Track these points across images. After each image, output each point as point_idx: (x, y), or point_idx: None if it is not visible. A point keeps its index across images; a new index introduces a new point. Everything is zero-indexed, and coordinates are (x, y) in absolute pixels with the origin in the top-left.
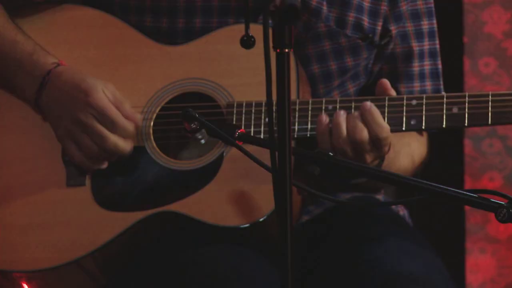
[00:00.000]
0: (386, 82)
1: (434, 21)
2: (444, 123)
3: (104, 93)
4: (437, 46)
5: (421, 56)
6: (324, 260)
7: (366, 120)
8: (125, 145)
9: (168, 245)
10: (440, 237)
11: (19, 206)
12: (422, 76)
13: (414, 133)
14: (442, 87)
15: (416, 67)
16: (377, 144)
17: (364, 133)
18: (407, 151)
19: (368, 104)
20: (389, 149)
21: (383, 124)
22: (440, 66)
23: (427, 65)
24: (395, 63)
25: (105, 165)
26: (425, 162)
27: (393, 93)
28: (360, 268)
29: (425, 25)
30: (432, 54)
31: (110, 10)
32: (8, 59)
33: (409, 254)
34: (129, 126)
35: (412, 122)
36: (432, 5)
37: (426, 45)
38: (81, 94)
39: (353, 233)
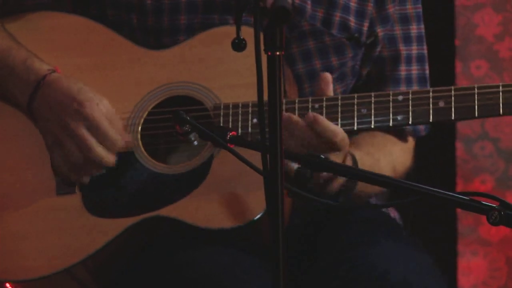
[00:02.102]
0: (325, 78)
1: (422, 26)
2: (431, 117)
3: (99, 106)
4: (425, 51)
5: (409, 60)
6: (315, 263)
7: (316, 130)
8: (110, 158)
9: (161, 249)
10: (432, 240)
11: (9, 215)
12: (409, 80)
13: (397, 141)
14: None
15: (403, 71)
16: (334, 147)
17: (314, 142)
18: (388, 159)
19: (311, 115)
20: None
21: (335, 129)
22: (427, 71)
23: (414, 70)
24: (383, 66)
25: (86, 179)
26: (409, 170)
27: (329, 93)
28: (352, 273)
29: (413, 29)
30: (420, 59)
31: (102, 9)
32: (1, 66)
33: (401, 259)
34: (119, 141)
35: (399, 118)
36: (421, 9)
37: (414, 49)
38: (75, 103)
39: (344, 236)
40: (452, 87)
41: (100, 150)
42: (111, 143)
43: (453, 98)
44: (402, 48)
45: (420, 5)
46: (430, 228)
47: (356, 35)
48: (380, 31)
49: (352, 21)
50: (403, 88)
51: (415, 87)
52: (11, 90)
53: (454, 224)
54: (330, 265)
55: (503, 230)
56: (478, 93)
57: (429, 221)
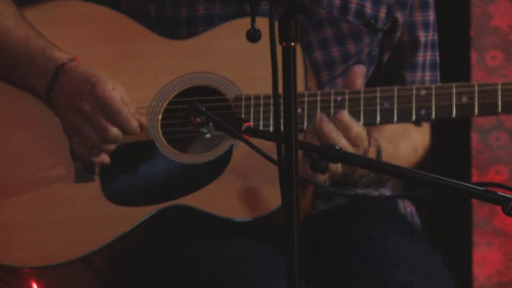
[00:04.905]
0: (358, 71)
1: (434, 12)
2: (454, 113)
3: (113, 90)
4: (437, 38)
5: (426, 46)
6: (328, 256)
7: (339, 128)
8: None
9: (178, 238)
10: (447, 231)
11: (28, 203)
12: (424, 66)
13: (413, 125)
14: (439, 78)
15: (421, 57)
16: (355, 142)
17: (339, 140)
18: (409, 143)
19: (344, 114)
20: (366, 148)
21: (352, 126)
22: (438, 57)
23: (428, 55)
24: (402, 52)
25: (106, 160)
26: (428, 149)
27: (359, 87)
28: (359, 267)
29: (431, 16)
30: (434, 45)
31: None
32: (20, 55)
33: (410, 263)
34: (133, 121)
35: (422, 113)
36: None
37: (431, 36)
38: (88, 85)
39: (357, 232)
40: (476, 83)
41: (115, 131)
42: (125, 123)
43: (476, 94)
44: (422, 35)
45: None
46: (446, 219)
47: (372, 21)
48: (399, 16)
49: (368, 7)
50: (419, 74)
51: (427, 73)
52: (30, 79)
53: (469, 215)
54: (340, 260)
55: None
56: (502, 89)
57: (444, 212)
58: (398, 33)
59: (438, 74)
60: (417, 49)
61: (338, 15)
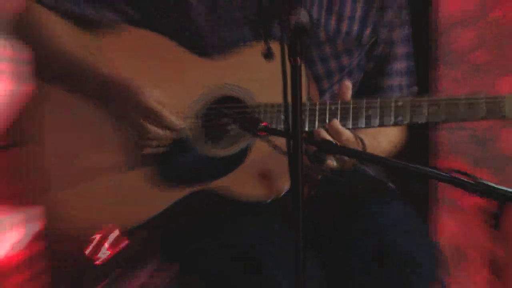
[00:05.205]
0: (346, 85)
1: (410, 29)
2: (425, 119)
3: (151, 94)
4: (412, 50)
5: (402, 58)
6: (326, 228)
7: (332, 133)
8: (167, 135)
9: (208, 214)
10: (417, 207)
11: (89, 187)
12: (401, 74)
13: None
14: (415, 83)
15: (398, 66)
16: (346, 145)
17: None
18: (387, 138)
19: (335, 122)
20: (356, 143)
21: (342, 132)
22: (414, 66)
23: (405, 64)
24: (383, 62)
25: (157, 150)
26: (405, 141)
27: (348, 97)
28: (356, 238)
29: (406, 31)
30: (409, 57)
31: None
32: (76, 66)
33: (397, 228)
34: (171, 121)
35: (399, 119)
36: (409, 16)
37: (406, 49)
38: (131, 91)
39: (350, 207)
40: (443, 97)
41: (155, 129)
42: (165, 123)
43: (442, 105)
44: (399, 48)
45: (408, 12)
46: (417, 198)
47: (360, 38)
48: (382, 33)
49: (355, 29)
50: (397, 79)
51: (404, 79)
52: (86, 87)
53: (435, 195)
54: (338, 230)
55: (477, 200)
56: (463, 102)
57: (417, 192)
58: (380, 47)
59: (414, 79)
60: (395, 60)
61: (333, 36)
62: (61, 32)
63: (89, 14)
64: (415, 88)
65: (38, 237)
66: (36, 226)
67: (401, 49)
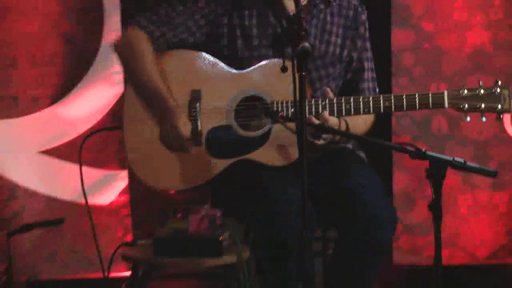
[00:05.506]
0: (327, 90)
1: (371, 52)
2: (382, 110)
3: (183, 127)
4: (373, 65)
5: (368, 70)
6: (320, 181)
7: (321, 120)
8: (185, 150)
9: (246, 174)
10: (374, 166)
11: (162, 159)
12: (368, 80)
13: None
14: (376, 86)
15: (366, 75)
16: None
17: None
18: (362, 121)
19: (324, 113)
20: (339, 126)
21: (328, 119)
22: (375, 75)
23: (370, 75)
24: (356, 73)
25: (185, 151)
26: (373, 123)
27: (331, 96)
28: (341, 190)
29: (369, 52)
30: (372, 69)
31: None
32: (150, 81)
33: (362, 179)
34: (184, 145)
35: (366, 110)
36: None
37: (371, 64)
38: (170, 118)
39: (335, 169)
40: (392, 94)
41: (179, 146)
42: (183, 143)
43: (392, 100)
44: (366, 64)
45: (369, 42)
46: (380, 162)
47: (340, 57)
48: (354, 55)
49: (337, 51)
50: (366, 84)
51: (370, 84)
52: (150, 104)
53: (390, 157)
54: (328, 186)
55: (421, 162)
56: (405, 98)
57: (379, 156)
58: (354, 63)
59: (376, 84)
60: (364, 71)
61: (323, 55)
62: (147, 52)
63: (172, 37)
64: (377, 90)
65: (125, 190)
66: (125, 183)
67: (367, 65)
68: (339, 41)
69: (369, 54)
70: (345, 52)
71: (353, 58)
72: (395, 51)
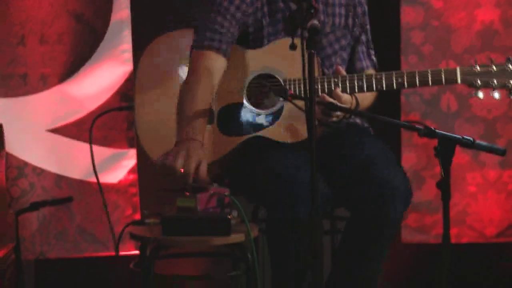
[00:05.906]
0: (339, 68)
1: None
2: (395, 86)
3: (197, 164)
4: (370, 38)
5: (365, 40)
6: (332, 157)
7: (335, 97)
8: (186, 178)
9: (258, 150)
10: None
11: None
12: (363, 43)
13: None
14: (373, 54)
15: (363, 39)
16: (345, 103)
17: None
18: (368, 96)
19: (337, 89)
20: (351, 102)
21: (341, 96)
22: (372, 46)
23: (365, 38)
24: (356, 44)
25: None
26: (376, 97)
27: (343, 73)
28: (350, 161)
29: (368, 24)
30: (368, 42)
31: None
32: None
33: (375, 149)
34: (190, 178)
35: (379, 86)
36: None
37: (366, 37)
38: (188, 153)
39: (344, 141)
40: (405, 71)
41: (186, 175)
42: (187, 179)
43: (405, 76)
44: (363, 36)
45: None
46: (389, 139)
47: (348, 27)
48: (356, 27)
49: (343, 22)
50: (361, 48)
51: (365, 48)
52: (179, 128)
53: (399, 135)
54: (339, 157)
55: (429, 140)
56: (418, 74)
57: (389, 135)
58: (362, 37)
59: (370, 51)
60: (359, 41)
61: (332, 28)
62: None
63: (233, 42)
64: (372, 57)
65: (133, 169)
66: (133, 161)
67: (363, 37)
68: (343, 11)
69: (368, 24)
70: (350, 21)
71: (356, 27)
72: (404, 28)
